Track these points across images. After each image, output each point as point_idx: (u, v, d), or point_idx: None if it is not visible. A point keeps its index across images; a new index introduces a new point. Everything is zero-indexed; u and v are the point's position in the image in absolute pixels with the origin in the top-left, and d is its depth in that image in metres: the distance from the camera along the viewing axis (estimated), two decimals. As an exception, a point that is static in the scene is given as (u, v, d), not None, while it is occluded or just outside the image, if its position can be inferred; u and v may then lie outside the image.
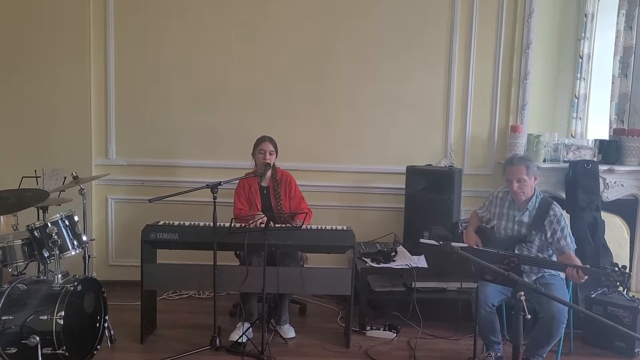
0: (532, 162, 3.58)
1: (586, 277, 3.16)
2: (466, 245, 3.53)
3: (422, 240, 3.45)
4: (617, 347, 3.81)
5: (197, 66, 4.74)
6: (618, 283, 3.03)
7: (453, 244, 2.92)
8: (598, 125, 4.94)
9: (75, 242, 3.59)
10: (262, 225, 3.62)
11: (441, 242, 3.00)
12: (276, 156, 4.07)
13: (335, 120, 4.79)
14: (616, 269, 3.05)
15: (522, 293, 2.32)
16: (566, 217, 3.62)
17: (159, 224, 3.81)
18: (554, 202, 3.55)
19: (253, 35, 4.71)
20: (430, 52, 4.74)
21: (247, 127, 4.62)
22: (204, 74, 4.74)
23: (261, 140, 4.05)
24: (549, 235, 3.46)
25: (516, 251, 3.47)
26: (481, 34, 4.71)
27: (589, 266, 3.27)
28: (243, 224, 3.71)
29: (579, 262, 3.32)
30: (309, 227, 3.83)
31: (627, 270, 3.04)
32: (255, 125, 4.59)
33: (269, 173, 4.08)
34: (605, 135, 4.78)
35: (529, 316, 2.33)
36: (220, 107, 4.77)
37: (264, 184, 4.12)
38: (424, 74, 4.76)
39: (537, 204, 3.53)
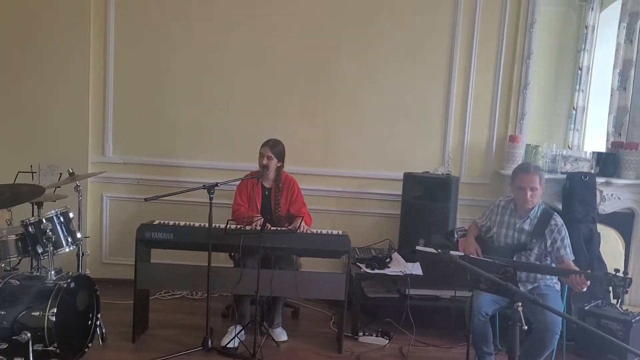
0: (543, 172, 3.62)
1: (588, 282, 3.16)
2: (463, 254, 3.52)
3: (418, 248, 3.44)
4: (610, 360, 3.82)
5: (197, 65, 4.72)
6: (620, 288, 3.04)
7: (451, 252, 2.91)
8: (595, 137, 4.96)
9: (70, 239, 3.57)
10: (258, 228, 3.60)
11: (439, 250, 2.99)
12: (279, 162, 4.01)
13: (334, 125, 4.79)
14: (617, 274, 3.06)
15: (520, 304, 2.31)
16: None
17: (154, 223, 3.80)
18: (555, 212, 3.57)
19: (255, 39, 4.70)
20: (431, 60, 4.75)
21: (247, 129, 4.62)
22: (204, 73, 4.73)
23: (264, 143, 4.02)
24: (548, 243, 3.46)
25: (514, 259, 3.47)
26: (482, 43, 4.72)
27: (589, 271, 3.29)
28: (239, 226, 3.69)
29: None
30: (304, 231, 3.81)
31: (628, 276, 3.05)
32: (254, 127, 4.60)
33: (272, 175, 4.06)
34: (601, 147, 4.79)
35: (526, 327, 2.32)
36: (220, 107, 4.75)
37: (267, 185, 4.10)
38: (424, 81, 4.77)
39: (538, 213, 3.54)
